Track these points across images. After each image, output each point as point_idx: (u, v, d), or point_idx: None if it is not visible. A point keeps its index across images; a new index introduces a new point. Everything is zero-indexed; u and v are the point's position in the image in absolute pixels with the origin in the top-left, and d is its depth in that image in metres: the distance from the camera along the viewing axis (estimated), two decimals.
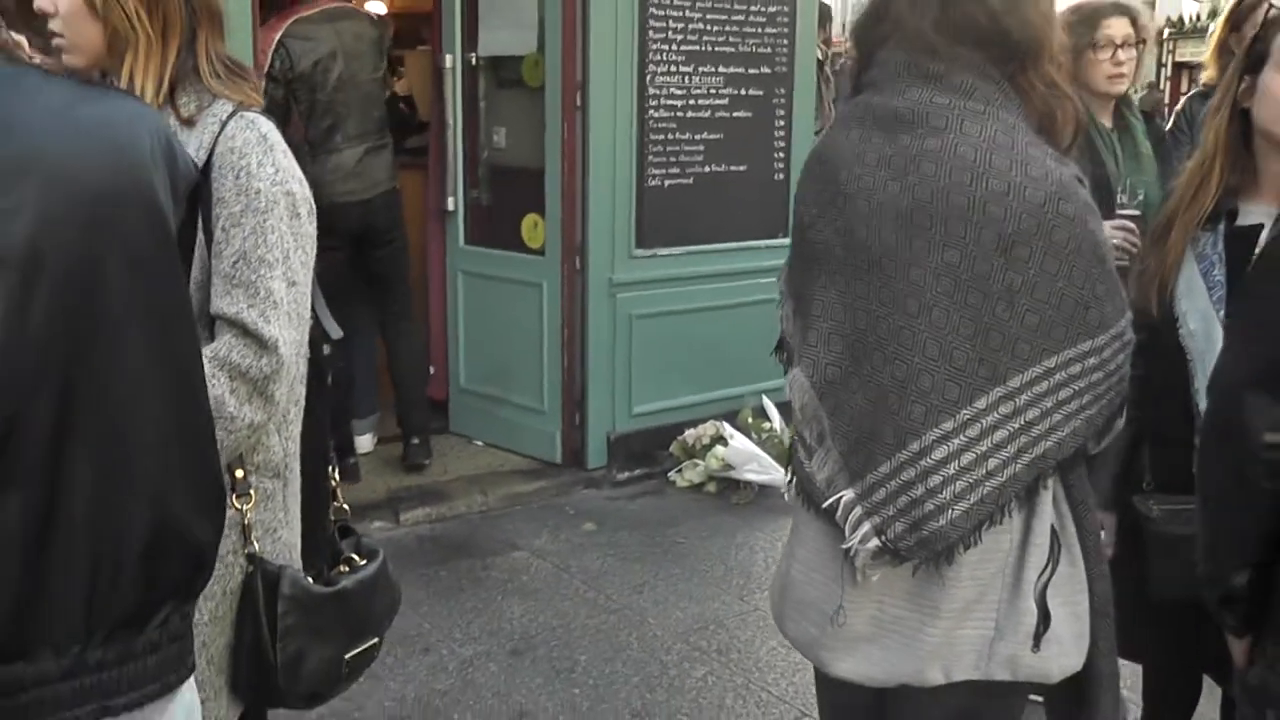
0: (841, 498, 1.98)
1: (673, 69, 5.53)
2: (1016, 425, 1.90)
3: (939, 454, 1.90)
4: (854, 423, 1.98)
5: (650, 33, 5.43)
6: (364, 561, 2.26)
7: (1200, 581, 1.89)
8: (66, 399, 1.32)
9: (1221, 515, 1.87)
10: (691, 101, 5.62)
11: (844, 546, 1.99)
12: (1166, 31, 22.27)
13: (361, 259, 5.29)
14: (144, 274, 1.38)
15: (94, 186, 1.33)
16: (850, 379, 1.98)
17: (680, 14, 5.51)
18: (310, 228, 2.03)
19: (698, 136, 5.65)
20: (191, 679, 1.51)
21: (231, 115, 1.97)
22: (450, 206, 5.82)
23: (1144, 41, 3.59)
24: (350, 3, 5.62)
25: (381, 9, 6.87)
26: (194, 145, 1.93)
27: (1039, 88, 1.96)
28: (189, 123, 1.97)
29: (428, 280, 6.08)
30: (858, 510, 1.96)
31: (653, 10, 5.42)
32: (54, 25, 1.99)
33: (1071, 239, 1.86)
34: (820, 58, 7.72)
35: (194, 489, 1.46)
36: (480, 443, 5.88)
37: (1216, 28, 4.61)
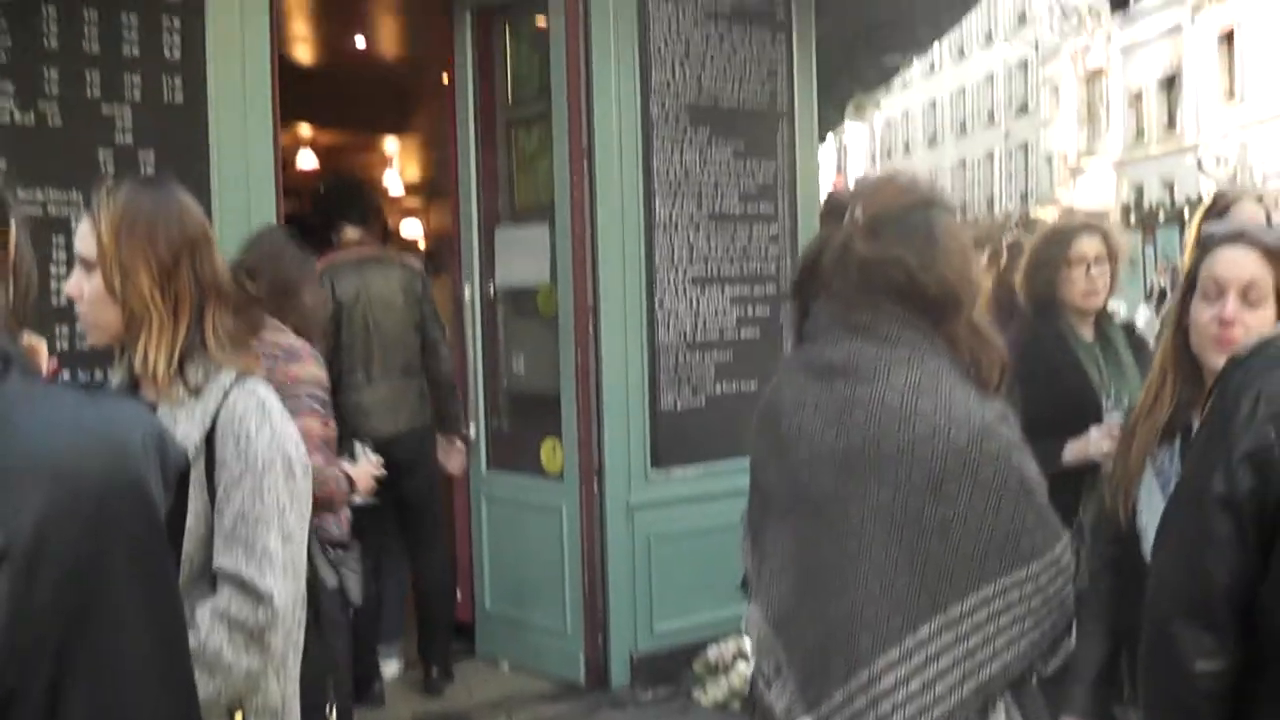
0: None
1: (679, 292, 5.77)
2: (960, 651, 2.01)
3: (887, 681, 2.01)
4: (807, 654, 2.10)
5: (656, 259, 5.69)
6: None
7: None
8: (64, 673, 1.44)
9: None
10: (699, 323, 5.84)
11: None
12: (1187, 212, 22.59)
13: (392, 489, 5.46)
14: (138, 561, 1.52)
15: (94, 484, 1.48)
16: (801, 613, 2.11)
17: (685, 238, 5.77)
18: (305, 485, 2.20)
19: (707, 357, 5.86)
20: None
21: (234, 384, 2.17)
22: (472, 433, 6.01)
23: (1115, 258, 3.78)
24: (386, 250, 5.94)
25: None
26: (200, 413, 2.13)
27: (962, 336, 2.13)
28: (196, 391, 2.16)
29: (452, 504, 6.24)
30: None
31: (659, 237, 5.69)
32: (80, 308, 2.22)
33: (996, 475, 2.00)
34: None
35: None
36: (506, 665, 5.95)
37: (1191, 229, 4.65)
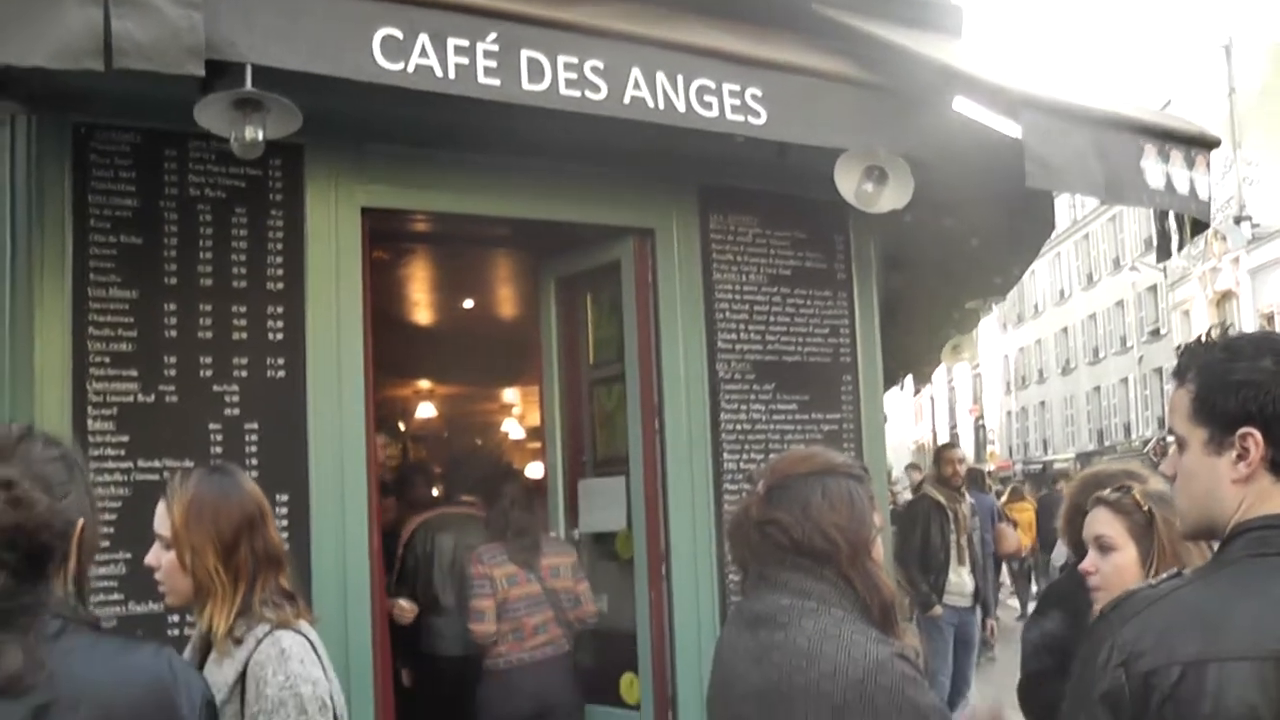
0: None
1: None
2: None
3: None
4: None
5: (725, 505, 6.10)
6: None
7: None
8: None
9: None
10: None
11: None
12: None
13: None
14: None
15: (130, 711, 2.04)
16: None
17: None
18: (321, 717, 2.63)
19: None
20: None
21: (265, 635, 2.66)
22: None
23: None
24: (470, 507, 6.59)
25: None
26: (239, 658, 2.62)
27: (857, 580, 2.55)
28: (238, 641, 2.66)
29: None
30: None
31: (727, 485, 6.14)
32: (157, 576, 2.75)
33: (890, 704, 2.39)
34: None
35: None
36: None
37: None
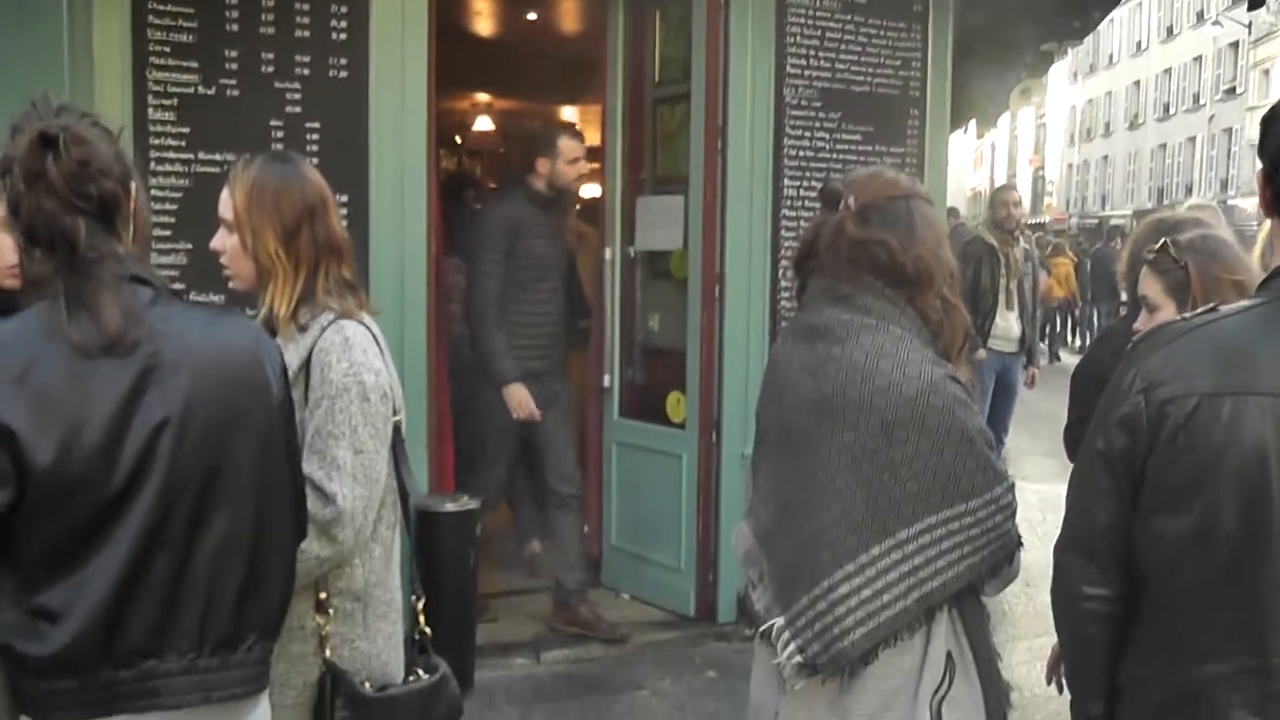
0: (774, 624, 2.55)
1: None
2: (906, 569, 2.43)
3: (843, 590, 2.44)
4: (782, 565, 2.55)
5: (782, 231, 6.12)
6: (425, 675, 2.82)
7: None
8: (202, 500, 2.15)
9: (1072, 658, 2.37)
10: None
11: (774, 662, 2.55)
12: None
13: None
14: (254, 428, 2.23)
15: (224, 374, 2.19)
16: (780, 531, 2.57)
17: (811, 212, 6.16)
18: (382, 408, 2.68)
19: None
20: (267, 695, 2.33)
21: (330, 324, 2.69)
22: (607, 383, 6.56)
23: None
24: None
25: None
26: (304, 345, 2.65)
27: (932, 308, 2.56)
28: (303, 328, 2.69)
29: (589, 447, 6.80)
30: (785, 634, 2.52)
31: (785, 211, 6.12)
32: (222, 260, 2.78)
33: (940, 425, 2.42)
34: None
35: (273, 570, 2.28)
36: (626, 595, 6.49)
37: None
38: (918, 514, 2.43)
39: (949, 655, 2.51)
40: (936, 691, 2.50)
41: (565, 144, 5.87)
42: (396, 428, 2.77)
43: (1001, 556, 2.51)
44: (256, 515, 2.23)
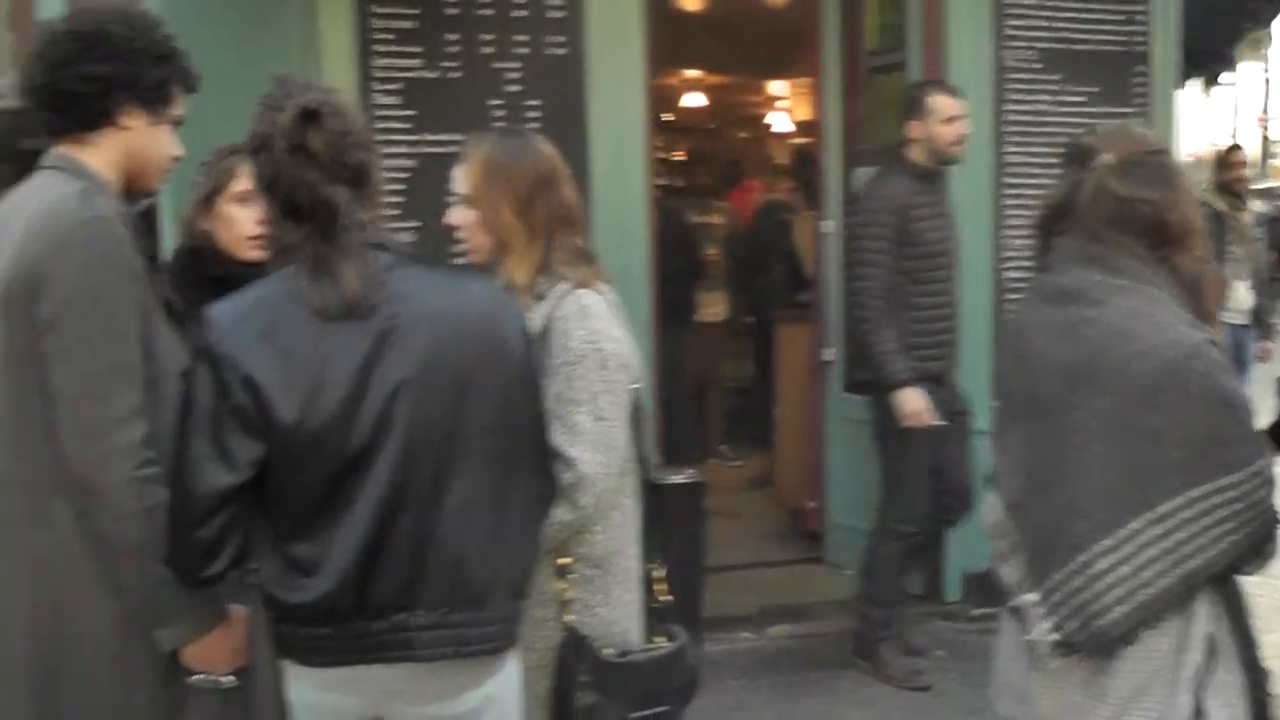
0: (1026, 599, 2.46)
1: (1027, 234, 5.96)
2: (1168, 544, 2.30)
3: (1102, 565, 2.34)
4: (1035, 537, 2.45)
5: (1005, 199, 5.94)
6: (665, 643, 2.85)
7: None
8: (443, 459, 2.20)
9: None
10: None
11: (1025, 639, 2.46)
12: None
13: None
14: (493, 388, 2.26)
15: (463, 335, 2.23)
16: (1031, 501, 2.47)
17: (1036, 182, 5.96)
18: (620, 376, 2.68)
19: None
20: (517, 652, 2.38)
21: (567, 292, 2.70)
22: (827, 357, 6.46)
23: None
24: None
25: None
26: (541, 314, 2.66)
27: (1187, 262, 2.43)
28: (540, 297, 2.71)
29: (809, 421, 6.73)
30: (1040, 609, 2.43)
31: (1007, 179, 5.93)
32: (460, 234, 2.81)
33: (1203, 390, 2.29)
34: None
35: (519, 528, 2.33)
36: (849, 573, 6.38)
37: None
38: (1181, 486, 2.30)
39: (1210, 637, 2.39)
40: (1196, 674, 2.37)
41: (937, 101, 5.06)
42: (634, 397, 2.77)
43: (1263, 534, 2.37)
44: (499, 473, 2.27)
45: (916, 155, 5.09)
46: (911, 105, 5.12)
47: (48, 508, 2.35)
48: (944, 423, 5.00)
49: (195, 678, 2.48)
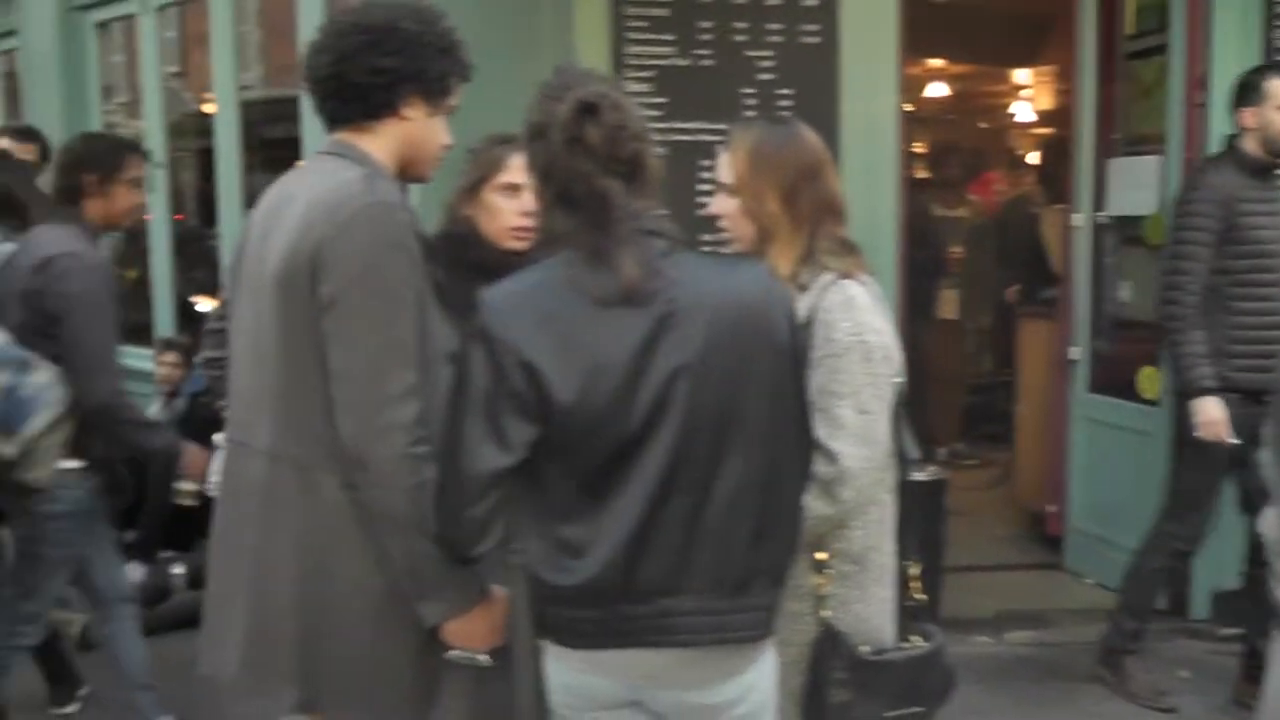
0: None
1: None
2: None
3: None
4: None
5: None
6: (921, 643, 2.80)
7: None
8: (717, 445, 2.22)
9: None
10: None
11: None
12: None
13: None
14: (765, 374, 2.25)
15: (738, 320, 2.22)
16: None
17: None
18: (884, 370, 2.64)
19: None
20: (773, 643, 2.37)
21: (831, 283, 2.66)
22: (1074, 356, 6.25)
23: None
24: None
25: None
26: (804, 305, 2.64)
27: None
28: (803, 288, 2.68)
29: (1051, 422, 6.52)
30: None
31: None
32: (722, 223, 2.80)
33: None
34: None
35: (783, 515, 2.31)
36: (1090, 581, 6.18)
37: None
38: None
39: None
40: None
41: (1275, 85, 4.68)
42: (898, 390, 2.72)
43: None
44: (768, 460, 2.26)
45: (1250, 145, 4.73)
46: (1247, 90, 4.75)
47: (316, 481, 2.43)
48: (1239, 442, 4.48)
49: (453, 653, 2.52)
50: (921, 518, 4.24)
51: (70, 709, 4.91)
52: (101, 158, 4.07)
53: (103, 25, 7.85)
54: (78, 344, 3.80)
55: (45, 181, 4.30)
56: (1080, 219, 6.23)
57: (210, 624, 2.63)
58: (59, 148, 4.32)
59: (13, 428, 3.68)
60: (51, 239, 3.91)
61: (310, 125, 6.09)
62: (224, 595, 2.59)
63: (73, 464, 3.92)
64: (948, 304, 8.44)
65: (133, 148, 4.26)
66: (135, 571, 6.00)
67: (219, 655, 2.58)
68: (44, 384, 3.74)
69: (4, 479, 3.78)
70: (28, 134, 5.88)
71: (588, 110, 2.19)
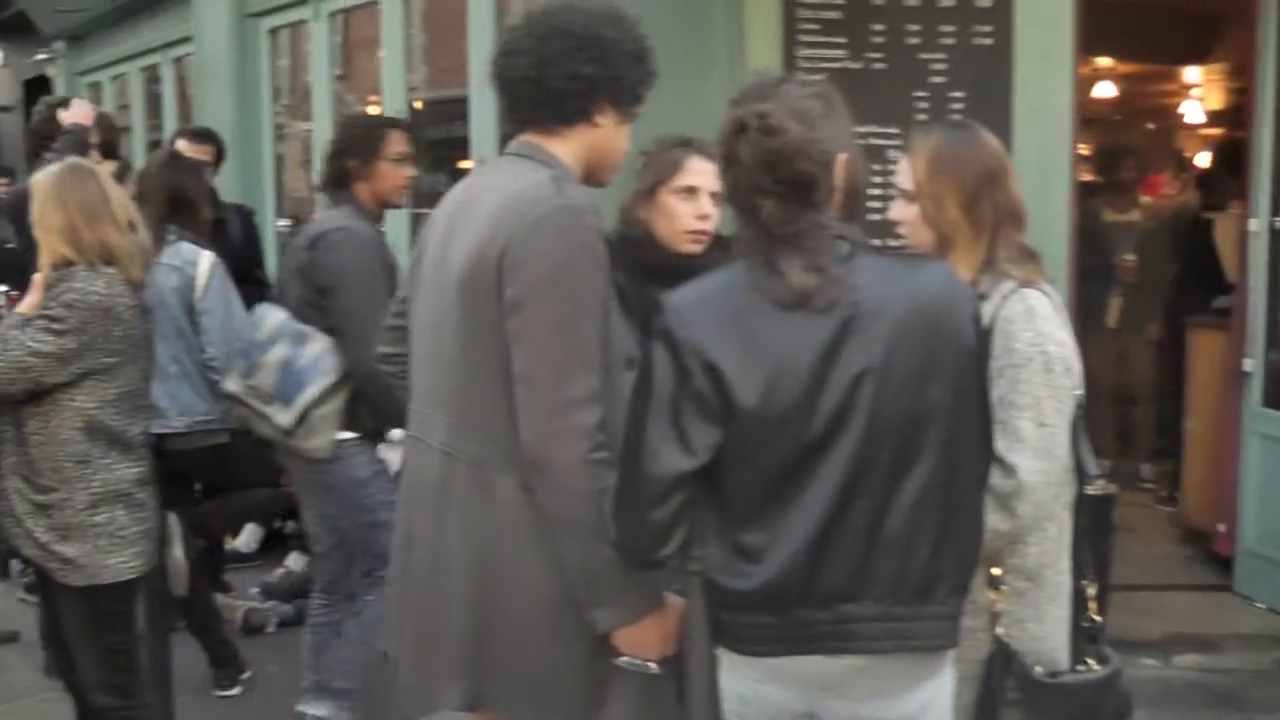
0: None
1: None
2: None
3: None
4: None
5: None
6: (1097, 666, 2.71)
7: None
8: (901, 449, 2.18)
9: None
10: None
11: None
12: None
13: None
14: (949, 377, 2.20)
15: (922, 322, 2.18)
16: None
17: None
18: (1065, 381, 2.56)
19: None
20: (953, 657, 2.32)
21: (1011, 292, 2.59)
22: (1247, 368, 6.03)
23: None
24: None
25: None
26: (985, 312, 2.57)
27: None
28: (983, 296, 2.61)
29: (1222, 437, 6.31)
30: None
31: None
32: (901, 229, 2.76)
33: None
34: None
35: (965, 521, 2.27)
36: (1262, 606, 5.95)
37: None
38: None
39: None
40: None
41: None
42: (1078, 403, 2.65)
43: None
44: (951, 465, 2.21)
45: None
46: None
47: (491, 481, 2.45)
48: None
49: (622, 659, 2.52)
50: (1092, 534, 4.14)
51: (233, 691, 5.06)
52: (359, 142, 4.16)
53: (273, 31, 8.08)
54: (347, 315, 3.90)
55: (219, 182, 4.41)
56: (1257, 224, 5.98)
57: (390, 609, 2.73)
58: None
59: (290, 397, 3.81)
60: (325, 218, 4.11)
61: (478, 125, 6.18)
62: (401, 583, 2.66)
63: (349, 435, 4.02)
64: (1118, 312, 8.20)
65: (391, 124, 4.32)
66: (297, 562, 6.15)
67: (398, 638, 2.67)
68: (318, 354, 3.88)
69: (287, 448, 3.93)
70: (204, 135, 6.08)
71: (740, 129, 2.19)
